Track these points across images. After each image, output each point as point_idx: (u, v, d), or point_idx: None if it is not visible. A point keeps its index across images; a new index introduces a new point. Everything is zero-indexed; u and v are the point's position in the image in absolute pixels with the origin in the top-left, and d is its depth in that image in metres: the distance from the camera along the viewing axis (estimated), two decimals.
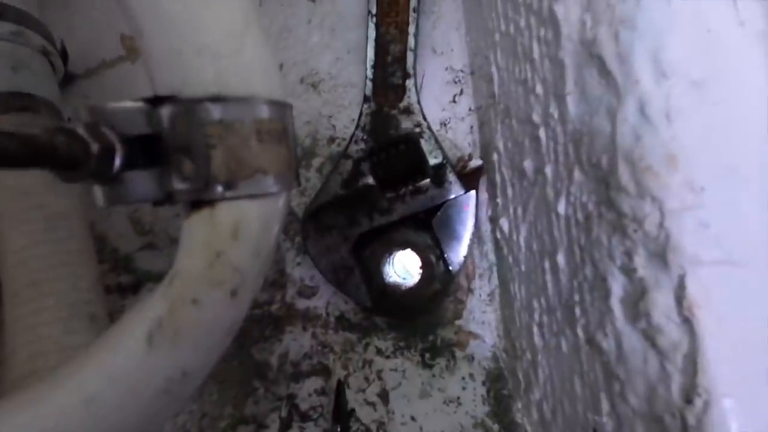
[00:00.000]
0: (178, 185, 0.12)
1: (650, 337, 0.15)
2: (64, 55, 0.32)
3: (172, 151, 0.12)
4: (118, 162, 0.11)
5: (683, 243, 0.14)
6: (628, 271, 0.15)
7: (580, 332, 0.19)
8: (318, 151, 0.31)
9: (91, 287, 0.24)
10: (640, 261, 0.15)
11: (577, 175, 0.18)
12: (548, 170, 0.20)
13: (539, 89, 0.20)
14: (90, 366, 0.12)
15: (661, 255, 0.14)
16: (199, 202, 0.12)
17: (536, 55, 0.20)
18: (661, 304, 0.14)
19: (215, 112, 0.11)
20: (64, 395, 0.12)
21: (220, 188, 0.12)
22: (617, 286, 0.16)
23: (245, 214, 0.12)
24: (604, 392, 0.17)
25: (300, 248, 0.30)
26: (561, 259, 0.20)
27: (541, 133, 0.21)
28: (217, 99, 0.11)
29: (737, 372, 0.13)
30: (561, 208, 0.19)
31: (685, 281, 0.13)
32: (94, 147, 0.10)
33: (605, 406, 0.17)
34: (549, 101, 0.20)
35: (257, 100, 0.12)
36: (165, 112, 0.11)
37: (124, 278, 0.31)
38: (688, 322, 0.13)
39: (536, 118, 0.21)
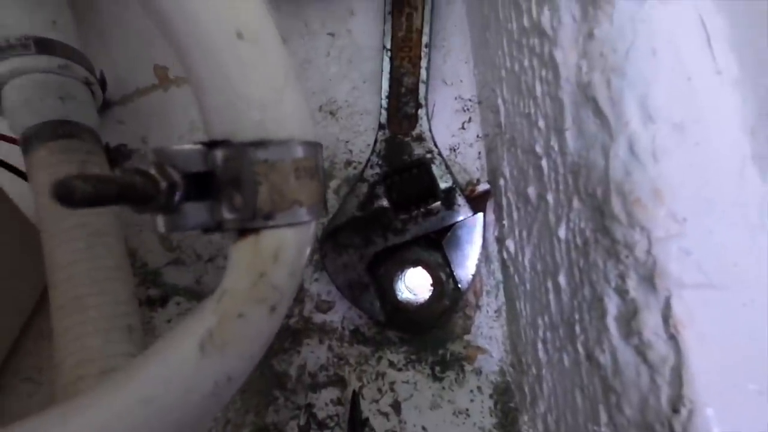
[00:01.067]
0: (228, 215, 0.14)
1: (642, 352, 0.16)
2: (103, 85, 0.35)
3: (223, 186, 0.14)
4: (179, 196, 0.13)
5: (668, 268, 0.15)
6: (622, 292, 0.17)
7: (580, 348, 0.20)
8: (335, 174, 0.34)
9: (128, 300, 0.27)
10: (631, 284, 0.17)
11: (575, 203, 0.20)
12: (550, 197, 0.22)
13: (541, 123, 0.22)
14: (147, 370, 0.14)
15: (649, 279, 0.16)
16: (245, 230, 0.14)
17: (538, 92, 0.22)
18: (651, 323, 0.16)
19: (261, 154, 0.13)
20: (124, 396, 0.14)
21: (264, 218, 0.14)
22: (612, 306, 0.18)
23: (284, 240, 0.14)
24: (602, 404, 0.19)
25: (317, 265, 0.32)
26: (562, 279, 0.21)
27: (543, 163, 0.22)
28: (262, 143, 0.14)
29: (718, 384, 0.14)
30: (561, 232, 0.21)
31: (671, 302, 0.15)
32: (163, 185, 0.13)
33: (603, 417, 0.19)
34: (550, 135, 0.22)
35: (294, 142, 0.14)
36: (219, 153, 0.14)
37: (152, 291, 0.34)
38: (674, 339, 0.15)
39: (539, 149, 0.23)
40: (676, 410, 0.15)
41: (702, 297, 0.15)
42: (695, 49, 0.16)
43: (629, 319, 0.17)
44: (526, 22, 0.23)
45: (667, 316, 0.15)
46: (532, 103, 0.23)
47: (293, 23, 0.36)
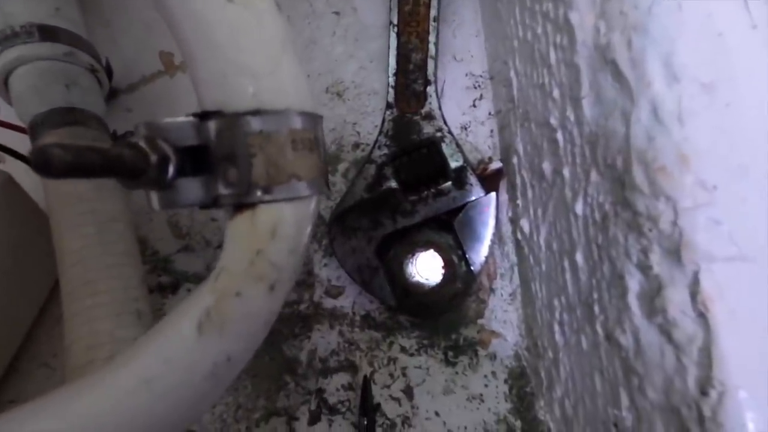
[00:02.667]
0: (223, 190, 0.13)
1: (666, 331, 0.15)
2: (109, 72, 0.35)
3: (217, 159, 0.13)
4: (171, 170, 0.13)
5: (696, 240, 0.14)
6: (644, 268, 0.16)
7: (599, 329, 0.19)
8: (343, 157, 0.33)
9: (138, 286, 0.26)
10: (655, 258, 0.15)
11: (593, 176, 0.19)
12: (566, 172, 0.21)
13: (556, 93, 0.21)
14: (148, 351, 0.14)
15: (675, 252, 0.15)
16: (241, 205, 0.13)
17: (553, 60, 0.21)
18: (677, 300, 0.15)
19: (255, 124, 0.13)
20: (125, 377, 0.14)
21: (260, 192, 0.13)
22: (634, 283, 0.17)
23: (282, 215, 0.13)
24: (623, 387, 0.18)
25: (327, 250, 0.31)
26: (580, 258, 0.20)
27: (559, 135, 0.21)
28: (256, 113, 0.13)
29: (753, 365, 0.13)
30: (579, 208, 0.20)
31: (699, 277, 0.14)
32: (153, 158, 0.12)
33: (625, 400, 0.18)
34: (566, 105, 0.20)
35: (291, 112, 0.13)
36: (212, 125, 0.13)
37: (163, 278, 0.34)
38: (702, 317, 0.14)
39: (554, 121, 0.22)
40: (704, 393, 0.14)
41: (734, 270, 0.14)
42: (727, 0, 0.15)
43: (653, 296, 0.16)
44: None
45: (694, 292, 0.14)
46: (546, 72, 0.22)
47: (297, 3, 0.35)
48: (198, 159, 0.13)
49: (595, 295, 0.19)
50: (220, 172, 0.13)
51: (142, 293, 0.26)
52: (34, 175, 0.30)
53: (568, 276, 0.22)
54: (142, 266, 0.28)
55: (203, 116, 0.13)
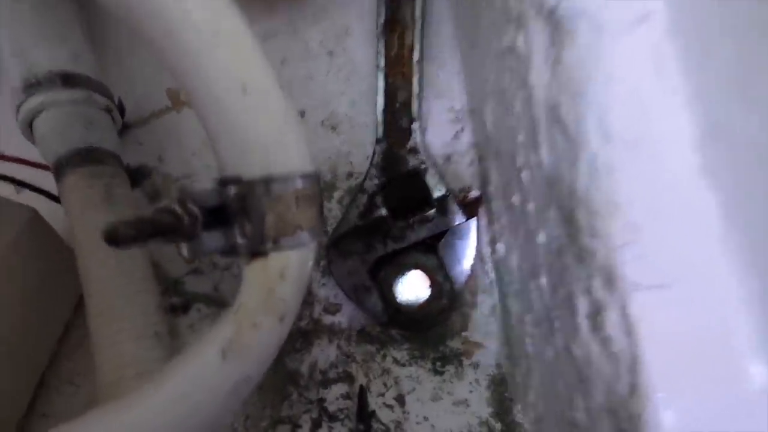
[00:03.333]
0: (240, 241, 0.16)
1: (606, 346, 0.18)
2: (121, 110, 0.38)
3: (236, 216, 0.16)
4: (199, 226, 0.16)
5: (625, 272, 0.17)
6: (589, 293, 0.19)
7: (559, 342, 0.22)
8: (338, 185, 0.36)
9: (156, 311, 0.29)
10: (596, 285, 0.19)
11: (551, 212, 0.22)
12: (530, 206, 0.24)
13: (521, 137, 0.24)
14: (179, 374, 0.17)
15: (610, 281, 0.18)
16: (255, 253, 0.16)
17: (518, 108, 0.24)
18: (612, 320, 0.18)
19: (266, 188, 0.16)
20: (160, 396, 0.17)
21: (270, 243, 0.16)
22: (582, 304, 0.20)
23: (289, 260, 0.16)
24: (578, 392, 0.21)
25: (325, 271, 0.34)
26: (543, 280, 0.23)
27: (524, 174, 0.24)
28: (267, 179, 0.16)
29: (669, 372, 0.16)
30: (541, 238, 0.23)
31: (627, 302, 0.17)
32: (186, 219, 0.15)
33: (580, 403, 0.21)
34: (528, 148, 0.24)
35: (295, 175, 0.17)
36: (231, 189, 0.16)
37: (175, 299, 0.37)
38: (631, 334, 0.17)
39: (520, 160, 0.25)
40: (632, 395, 0.17)
41: (655, 296, 0.17)
42: (649, 73, 0.18)
43: (596, 316, 0.19)
44: (505, 43, 0.25)
45: (624, 314, 0.17)
46: (513, 117, 0.25)
47: (294, 44, 0.38)
48: (219, 215, 0.16)
49: (555, 313, 0.22)
50: (238, 227, 0.16)
51: (159, 317, 0.30)
52: (55, 209, 0.33)
53: (534, 295, 0.25)
54: (159, 291, 0.31)
55: (224, 182, 0.16)
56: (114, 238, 0.12)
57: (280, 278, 0.16)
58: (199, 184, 0.16)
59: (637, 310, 0.17)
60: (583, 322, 0.20)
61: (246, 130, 0.16)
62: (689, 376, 0.16)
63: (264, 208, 0.16)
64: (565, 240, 0.20)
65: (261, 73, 0.16)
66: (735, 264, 0.17)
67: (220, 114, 0.16)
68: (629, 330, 0.17)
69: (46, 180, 0.34)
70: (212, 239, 0.16)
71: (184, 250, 0.16)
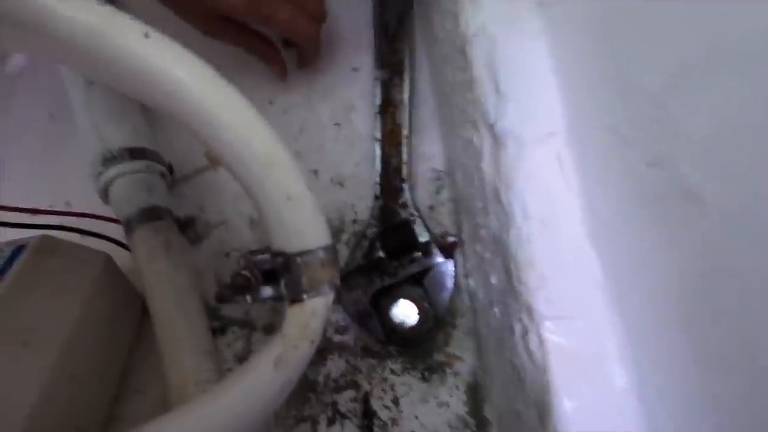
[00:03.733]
0: (284, 292, 0.25)
1: (532, 358, 0.27)
2: (171, 171, 0.48)
3: (281, 275, 0.25)
4: (258, 283, 0.25)
5: (539, 308, 0.26)
6: (520, 321, 0.28)
7: (507, 355, 0.31)
8: (345, 229, 0.45)
9: (206, 333, 0.38)
10: (524, 316, 0.27)
11: (497, 262, 0.31)
12: (487, 254, 0.33)
13: (479, 204, 0.33)
14: (245, 379, 0.25)
15: (530, 313, 0.27)
16: (295, 300, 0.25)
17: (476, 183, 0.34)
18: (533, 340, 0.27)
19: (301, 259, 0.25)
20: (234, 394, 0.25)
21: (305, 294, 0.25)
22: (517, 329, 0.28)
23: (317, 305, 0.25)
24: (519, 390, 0.29)
25: (334, 301, 0.43)
26: (496, 310, 0.32)
27: (482, 231, 0.33)
28: (302, 253, 0.25)
29: (568, 375, 0.25)
30: (493, 279, 0.32)
31: (540, 328, 0.26)
32: (252, 280, 0.24)
33: (520, 398, 0.29)
34: (483, 214, 0.33)
35: (319, 249, 0.26)
36: (278, 260, 0.25)
37: (214, 323, 0.45)
38: (543, 349, 0.26)
39: (479, 220, 0.34)
40: (545, 392, 0.26)
41: (557, 324, 0.26)
42: (553, 173, 0.27)
43: (524, 337, 0.27)
44: (466, 135, 0.34)
45: (540, 336, 0.26)
46: (473, 188, 0.34)
47: (309, 117, 0.48)
48: (272, 275, 0.25)
49: (504, 335, 0.31)
50: (284, 283, 0.25)
51: (209, 338, 0.38)
52: (123, 255, 0.43)
53: (492, 320, 0.33)
54: (207, 319, 0.40)
55: (274, 254, 0.25)
56: (221, 299, 0.21)
57: (312, 316, 0.25)
58: (261, 256, 0.25)
59: (546, 334, 0.26)
60: (518, 341, 0.28)
61: (289, 223, 0.25)
62: (579, 377, 0.25)
63: (300, 271, 0.25)
64: (505, 284, 0.29)
65: (299, 185, 0.25)
66: (607, 302, 0.25)
67: (271, 212, 0.25)
68: (542, 346, 0.26)
69: (116, 231, 0.43)
70: (266, 291, 0.25)
71: (249, 298, 0.25)
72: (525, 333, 0.27)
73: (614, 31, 0.24)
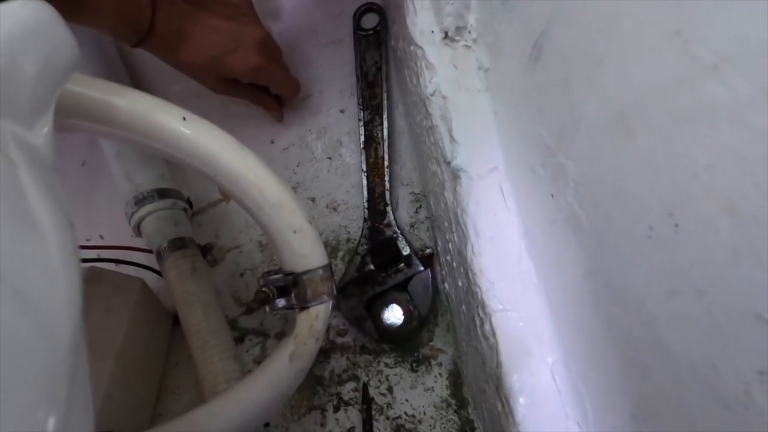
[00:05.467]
0: (294, 303, 0.33)
1: (488, 342, 0.35)
2: (190, 205, 0.56)
3: (291, 289, 0.33)
4: (274, 297, 0.33)
5: (489, 304, 0.34)
6: (478, 314, 0.36)
7: (473, 343, 0.39)
8: (340, 248, 0.53)
9: (229, 341, 0.46)
10: (480, 311, 0.35)
11: (461, 269, 0.39)
12: (454, 263, 0.41)
13: (446, 224, 0.42)
14: (268, 370, 0.33)
15: (483, 308, 0.35)
16: (303, 307, 0.33)
17: (442, 206, 0.42)
18: (487, 328, 0.35)
19: (305, 276, 0.33)
20: (259, 385, 0.33)
21: (310, 303, 0.33)
22: (477, 321, 0.36)
23: (320, 310, 0.33)
24: (482, 371, 0.37)
25: (335, 307, 0.51)
26: (464, 307, 0.40)
27: (449, 245, 0.42)
28: (306, 272, 0.33)
29: (513, 353, 0.33)
30: (459, 283, 0.40)
31: (492, 319, 0.34)
32: (270, 295, 0.32)
33: (483, 377, 0.37)
34: (450, 231, 0.41)
35: (319, 268, 0.34)
36: (288, 278, 0.33)
37: (233, 333, 0.53)
38: (494, 335, 0.34)
39: (447, 236, 0.42)
40: (498, 367, 0.34)
41: (503, 315, 0.34)
42: (496, 199, 0.36)
43: (482, 326, 0.36)
44: (433, 167, 0.43)
45: (492, 325, 0.34)
46: (441, 210, 0.43)
47: (305, 152, 0.56)
48: (284, 289, 0.34)
49: (470, 326, 0.39)
50: (293, 295, 0.33)
51: (232, 345, 0.46)
52: (152, 279, 0.51)
53: (462, 316, 0.42)
54: (229, 329, 0.48)
55: (285, 274, 0.34)
56: (250, 310, 0.29)
57: (316, 319, 0.33)
58: (275, 276, 0.33)
59: (496, 323, 0.34)
60: (479, 330, 0.36)
61: (296, 250, 0.33)
62: (522, 355, 0.33)
63: (306, 286, 0.33)
64: (467, 286, 0.37)
65: (303, 219, 0.33)
66: (540, 297, 0.34)
67: (281, 242, 0.33)
68: (493, 333, 0.34)
69: (148, 259, 0.51)
70: (281, 302, 0.33)
71: (267, 309, 0.33)
72: (482, 324, 0.35)
73: (529, 93, 0.32)
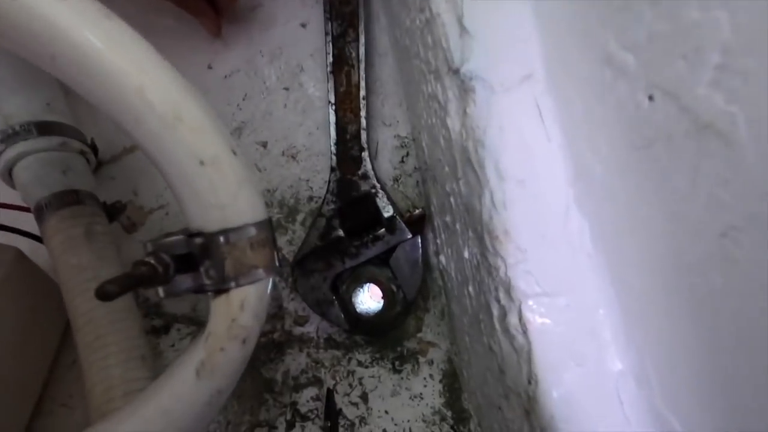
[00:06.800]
0: (206, 281, 0.20)
1: (512, 343, 0.23)
2: (95, 150, 0.41)
3: (201, 262, 0.20)
4: (171, 271, 0.20)
5: (518, 285, 0.22)
6: (498, 300, 0.24)
7: (485, 340, 0.27)
8: (300, 208, 0.40)
9: (139, 335, 0.33)
10: (501, 295, 0.23)
11: (470, 233, 0.26)
12: (458, 226, 0.29)
13: (447, 169, 0.29)
14: (163, 391, 0.20)
15: (508, 291, 0.22)
16: (219, 290, 0.20)
17: (442, 145, 0.29)
18: (513, 322, 0.22)
19: (224, 239, 0.20)
20: (148, 410, 0.20)
21: (231, 282, 0.20)
22: (495, 310, 0.24)
23: (247, 294, 0.20)
24: (499, 381, 0.26)
25: (293, 287, 0.38)
26: (470, 289, 0.28)
27: (451, 199, 0.29)
28: (224, 231, 0.20)
29: (553, 362, 0.21)
30: (466, 254, 0.28)
31: (521, 308, 0.22)
32: (160, 269, 0.19)
33: (501, 390, 0.25)
34: (452, 179, 0.28)
35: (248, 226, 0.21)
36: (196, 240, 0.20)
37: (156, 321, 0.40)
38: (525, 333, 0.22)
39: (447, 188, 0.29)
40: (529, 382, 0.22)
41: (539, 302, 0.22)
42: (532, 123, 0.23)
43: (503, 319, 0.23)
44: (429, 89, 0.29)
45: (520, 317, 0.22)
46: (440, 151, 0.30)
47: (253, 81, 0.42)
48: (188, 261, 0.20)
49: (480, 316, 0.27)
50: (203, 270, 0.20)
51: (142, 341, 0.33)
52: (36, 246, 0.36)
53: (467, 301, 0.29)
54: (140, 316, 0.34)
55: (190, 235, 0.20)
56: (104, 295, 0.16)
57: (241, 309, 0.20)
58: (171, 238, 0.20)
59: (528, 314, 0.22)
60: (497, 324, 0.24)
61: (204, 194, 0.19)
62: (568, 363, 0.21)
63: (223, 254, 0.20)
64: (480, 257, 0.25)
65: (216, 146, 0.20)
66: (599, 275, 0.21)
67: (182, 182, 0.19)
68: (524, 329, 0.22)
69: (27, 222, 0.37)
70: (183, 281, 0.20)
71: (161, 291, 0.20)
72: (504, 315, 0.23)
73: None
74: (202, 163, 0.19)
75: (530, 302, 0.22)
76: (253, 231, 0.21)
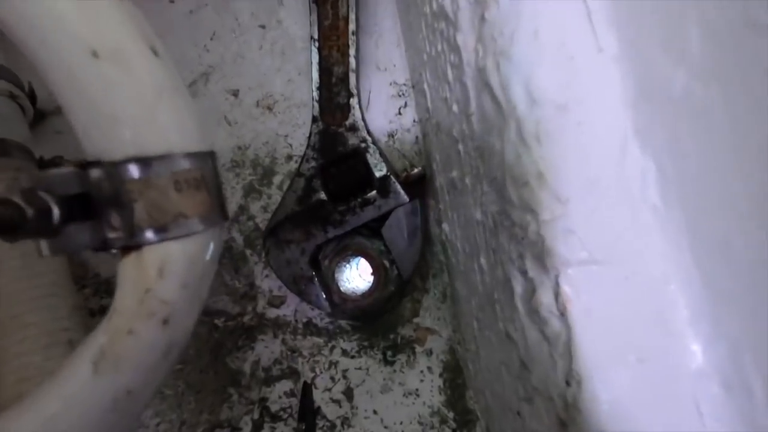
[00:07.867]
0: (110, 234, 0.14)
1: (542, 330, 0.17)
2: (32, 97, 0.34)
3: (101, 206, 0.14)
4: (56, 219, 0.13)
5: (555, 248, 0.16)
6: (522, 272, 0.18)
7: (501, 326, 0.21)
8: (277, 169, 0.34)
9: (69, 315, 0.27)
10: (529, 263, 0.17)
11: (485, 186, 0.20)
12: (467, 180, 0.22)
13: (455, 108, 0.22)
14: (48, 392, 0.14)
15: (540, 258, 0.16)
16: (127, 247, 0.14)
17: (450, 77, 0.22)
18: (545, 301, 0.16)
19: (133, 171, 0.14)
20: (29, 419, 0.14)
21: (144, 234, 0.14)
22: (517, 285, 0.18)
23: (170, 254, 0.14)
24: (519, 380, 0.20)
25: (267, 262, 0.32)
26: (483, 261, 0.22)
27: (460, 146, 0.23)
28: (134, 160, 0.14)
29: (603, 357, 0.15)
30: (478, 215, 0.21)
31: (559, 280, 0.16)
32: (29, 212, 0.13)
33: (521, 391, 0.20)
34: (462, 119, 0.22)
35: (173, 155, 0.14)
36: (93, 174, 0.14)
37: (106, 301, 0.34)
38: (564, 316, 0.16)
39: (455, 133, 0.23)
40: (568, 383, 0.16)
41: (586, 273, 0.15)
42: (577, 27, 0.16)
43: (529, 298, 0.17)
44: (435, 6, 0.23)
45: (557, 293, 0.16)
46: (447, 87, 0.23)
47: (223, 18, 0.35)
48: (85, 205, 0.14)
49: (496, 296, 0.21)
50: (105, 218, 0.14)
51: (73, 322, 0.27)
52: None
53: (477, 277, 0.23)
54: (76, 294, 0.28)
55: (84, 166, 0.14)
56: None
57: (159, 275, 0.14)
58: (54, 169, 0.14)
59: (568, 289, 0.15)
60: (520, 305, 0.18)
61: (103, 103, 0.13)
62: (625, 360, 0.15)
63: (132, 194, 0.13)
64: (499, 216, 0.19)
65: (118, 36, 0.13)
66: (670, 238, 0.15)
67: (69, 83, 0.13)
68: (562, 311, 0.16)
69: None
70: (78, 233, 0.14)
71: (44, 246, 0.14)
72: (532, 291, 0.17)
73: None
74: (96, 55, 0.13)
75: (571, 272, 0.16)
76: (181, 163, 0.14)
